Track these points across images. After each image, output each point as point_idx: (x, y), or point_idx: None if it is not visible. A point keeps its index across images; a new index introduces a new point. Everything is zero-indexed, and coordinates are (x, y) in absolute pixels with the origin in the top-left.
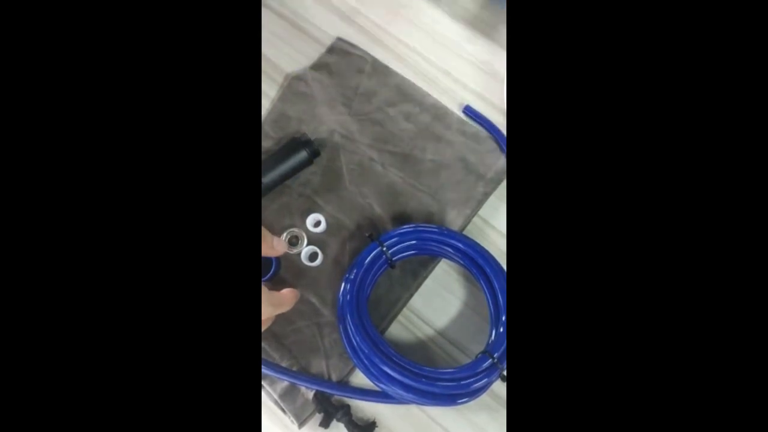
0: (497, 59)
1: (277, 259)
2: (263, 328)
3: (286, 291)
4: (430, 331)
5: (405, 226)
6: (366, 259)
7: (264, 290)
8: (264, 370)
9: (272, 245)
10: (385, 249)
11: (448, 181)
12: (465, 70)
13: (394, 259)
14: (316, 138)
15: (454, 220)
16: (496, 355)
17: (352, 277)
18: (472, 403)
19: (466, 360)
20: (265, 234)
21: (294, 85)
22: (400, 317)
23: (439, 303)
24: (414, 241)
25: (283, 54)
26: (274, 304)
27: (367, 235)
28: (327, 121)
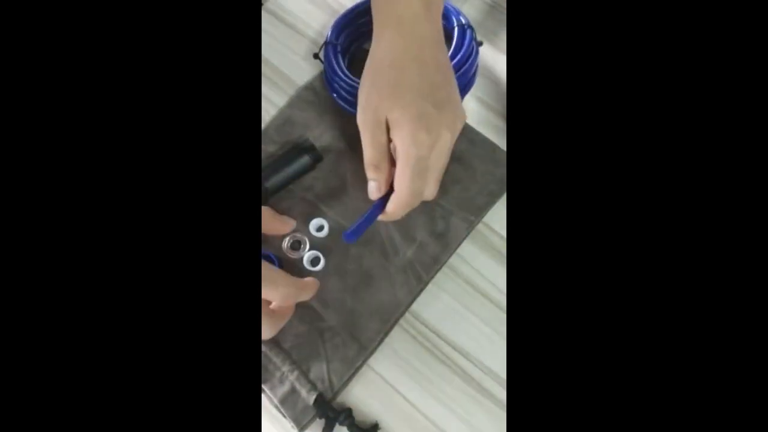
0: (499, 65)
1: (279, 260)
2: (289, 313)
3: (309, 279)
4: (433, 337)
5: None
6: None
7: (288, 275)
8: None
9: (284, 222)
10: None
11: (453, 187)
12: None
13: None
14: (320, 144)
15: (458, 225)
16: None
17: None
18: (472, 406)
19: (467, 364)
20: (272, 214)
21: (303, 94)
22: (401, 322)
23: (442, 307)
24: None
25: (285, 59)
26: (299, 287)
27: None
28: (333, 126)
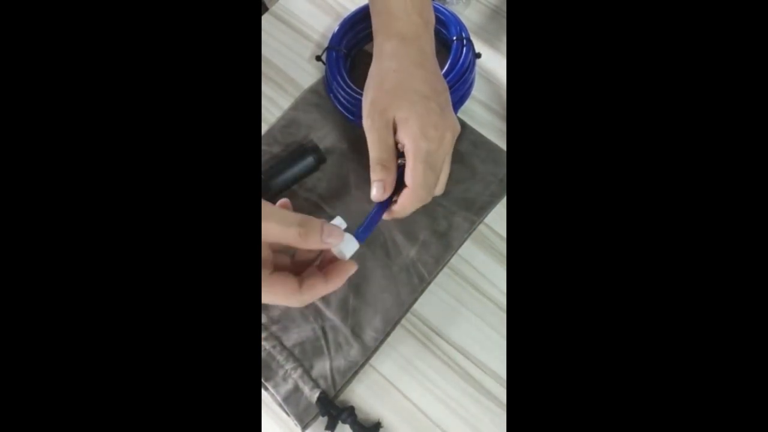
0: (501, 69)
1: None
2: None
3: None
4: (434, 336)
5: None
6: None
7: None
8: None
9: (323, 234)
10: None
11: (455, 188)
12: None
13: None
14: (324, 145)
15: (460, 225)
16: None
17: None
18: (472, 405)
19: (468, 364)
20: (314, 222)
21: (308, 96)
22: (403, 321)
23: (443, 307)
24: None
25: (290, 62)
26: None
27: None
28: (336, 128)
